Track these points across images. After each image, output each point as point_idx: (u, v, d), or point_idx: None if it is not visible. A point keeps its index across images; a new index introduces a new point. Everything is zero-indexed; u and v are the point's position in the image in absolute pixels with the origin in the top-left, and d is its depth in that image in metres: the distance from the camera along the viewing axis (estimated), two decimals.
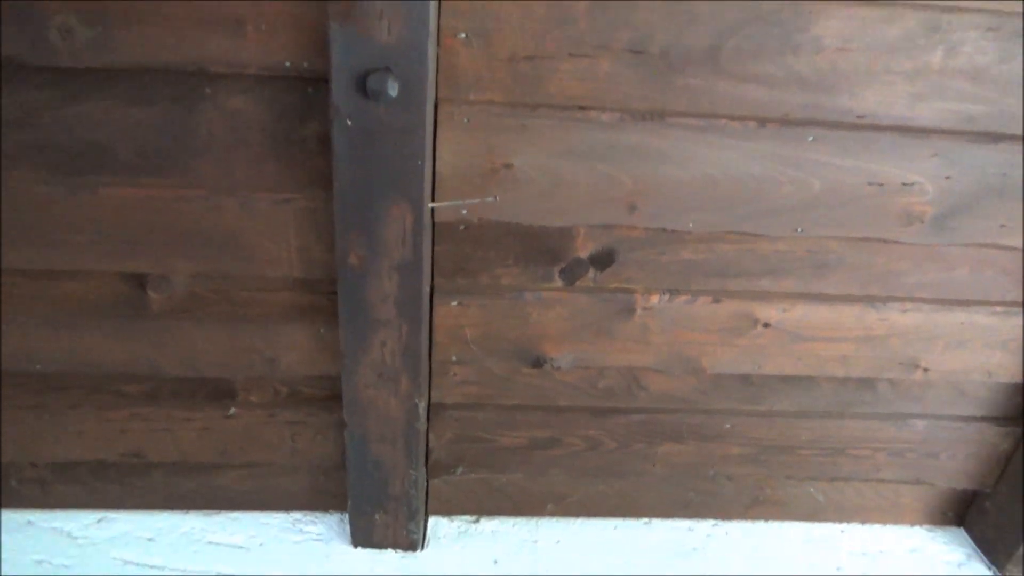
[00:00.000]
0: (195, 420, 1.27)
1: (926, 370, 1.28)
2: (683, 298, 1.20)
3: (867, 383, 1.31)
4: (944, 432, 1.35)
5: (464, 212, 1.10)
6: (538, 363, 1.25)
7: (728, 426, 1.33)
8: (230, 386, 1.26)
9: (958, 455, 1.38)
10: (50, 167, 1.04)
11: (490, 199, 1.08)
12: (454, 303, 1.18)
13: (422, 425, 1.24)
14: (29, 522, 1.34)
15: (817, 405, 1.33)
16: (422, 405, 1.21)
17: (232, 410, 1.26)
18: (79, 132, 1.02)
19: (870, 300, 1.22)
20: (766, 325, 1.22)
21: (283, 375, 1.24)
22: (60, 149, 1.02)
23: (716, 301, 1.20)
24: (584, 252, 1.16)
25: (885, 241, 1.16)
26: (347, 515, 1.35)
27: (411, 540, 1.34)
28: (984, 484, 1.41)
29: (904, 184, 1.11)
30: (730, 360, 1.26)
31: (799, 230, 1.14)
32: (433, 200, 1.07)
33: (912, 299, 1.22)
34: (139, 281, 1.15)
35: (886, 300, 1.22)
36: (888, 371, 1.28)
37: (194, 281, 1.15)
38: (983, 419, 1.35)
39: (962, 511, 1.48)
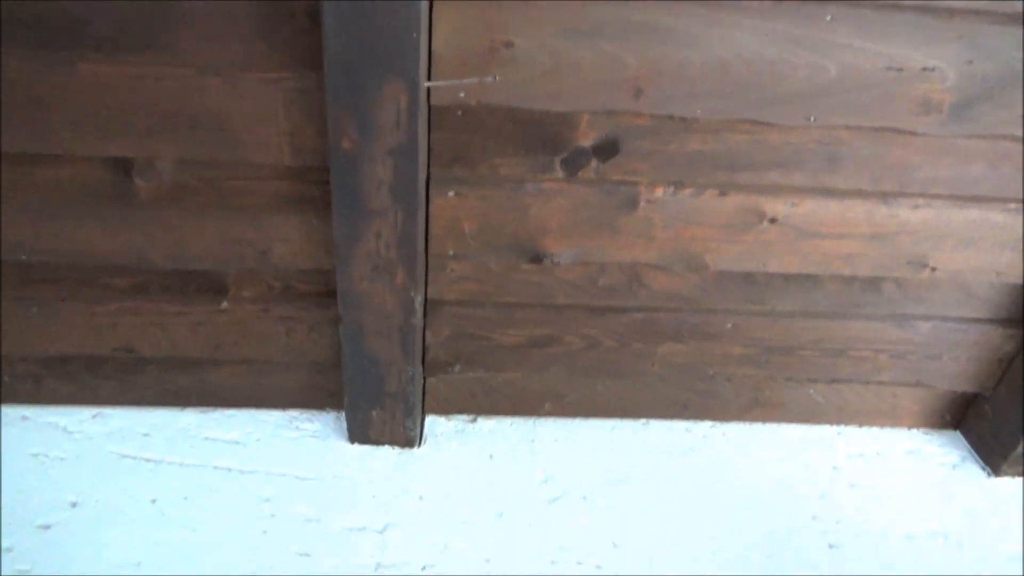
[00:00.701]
0: (187, 315, 1.24)
1: (934, 269, 1.25)
2: (688, 191, 1.16)
3: (873, 283, 1.28)
4: (948, 334, 1.34)
5: (462, 95, 1.04)
6: (537, 258, 1.21)
7: (729, 326, 1.31)
8: (222, 280, 1.23)
9: (960, 357, 1.36)
10: (23, 41, 0.98)
11: (489, 79, 1.03)
12: (451, 194, 1.14)
13: (419, 321, 1.21)
14: (24, 417, 1.34)
15: (821, 305, 1.30)
16: (419, 300, 1.18)
17: (224, 304, 1.23)
18: (52, 3, 0.95)
19: (881, 195, 1.18)
20: (772, 221, 1.19)
21: (276, 269, 1.21)
22: (32, 22, 0.96)
23: (722, 195, 1.16)
24: (587, 141, 1.11)
25: (900, 131, 1.11)
26: (343, 413, 1.35)
27: (408, 437, 1.34)
28: (984, 387, 1.40)
29: (924, 69, 1.05)
30: (734, 257, 1.23)
31: (812, 119, 1.09)
32: (429, 80, 1.02)
33: (924, 195, 1.18)
34: (125, 168, 1.10)
35: (897, 196, 1.18)
36: (895, 270, 1.25)
37: (181, 168, 1.10)
38: (988, 321, 1.33)
39: (960, 414, 1.48)
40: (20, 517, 1.18)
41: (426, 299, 1.26)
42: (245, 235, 1.16)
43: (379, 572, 1.16)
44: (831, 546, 1.26)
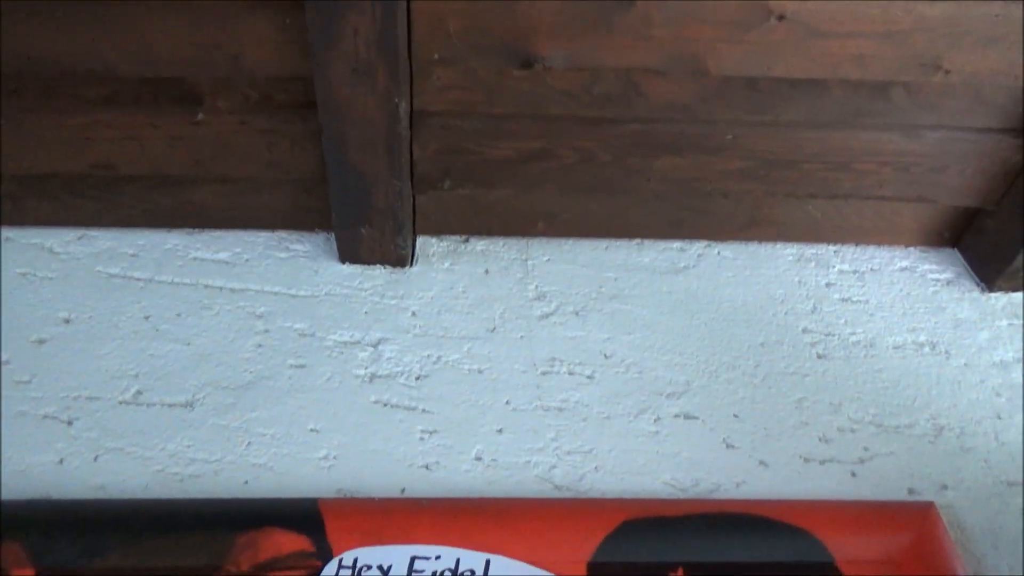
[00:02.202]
0: (162, 127, 1.19)
1: (947, 72, 1.18)
2: None
3: (882, 89, 1.21)
4: (955, 145, 1.28)
5: None
6: (528, 63, 1.14)
7: (730, 137, 1.26)
8: (195, 89, 1.16)
9: (966, 170, 1.32)
10: None
11: None
12: None
13: (404, 130, 1.16)
14: (7, 239, 1.32)
15: (826, 114, 1.24)
16: (403, 106, 1.12)
17: (200, 116, 1.18)
18: None
19: None
20: (781, 17, 1.11)
21: (251, 76, 1.14)
22: None
23: None
24: None
25: None
26: (333, 233, 1.32)
27: (399, 256, 1.32)
28: (987, 201, 1.37)
29: None
30: (738, 60, 1.15)
31: None
32: None
33: None
34: None
35: None
36: (907, 73, 1.18)
37: None
38: (998, 131, 1.27)
39: (959, 232, 1.45)
40: (14, 332, 1.19)
41: (412, 110, 1.20)
42: (214, 37, 1.09)
43: (374, 383, 1.18)
44: (820, 356, 1.28)
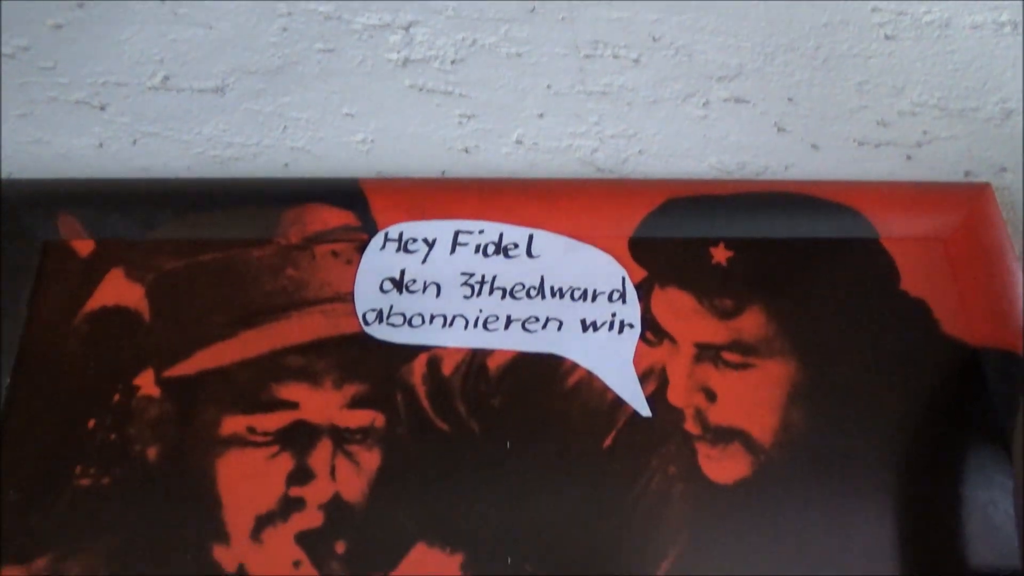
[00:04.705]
0: None
1: None
2: None
3: None
4: None
5: None
6: None
7: None
8: None
9: None
10: None
11: None
12: None
13: None
14: None
15: None
16: None
17: None
18: None
19: None
20: None
21: None
22: None
23: None
24: None
25: None
26: None
27: None
28: None
29: None
30: None
31: None
32: None
33: None
34: None
35: None
36: None
37: None
38: None
39: None
40: (28, 16, 1.12)
41: None
42: None
43: (408, 67, 1.12)
44: (887, 37, 1.17)
